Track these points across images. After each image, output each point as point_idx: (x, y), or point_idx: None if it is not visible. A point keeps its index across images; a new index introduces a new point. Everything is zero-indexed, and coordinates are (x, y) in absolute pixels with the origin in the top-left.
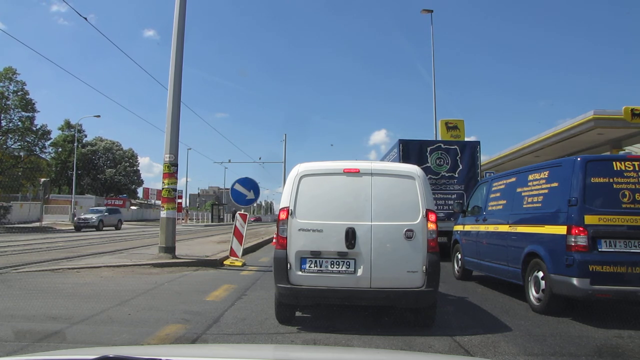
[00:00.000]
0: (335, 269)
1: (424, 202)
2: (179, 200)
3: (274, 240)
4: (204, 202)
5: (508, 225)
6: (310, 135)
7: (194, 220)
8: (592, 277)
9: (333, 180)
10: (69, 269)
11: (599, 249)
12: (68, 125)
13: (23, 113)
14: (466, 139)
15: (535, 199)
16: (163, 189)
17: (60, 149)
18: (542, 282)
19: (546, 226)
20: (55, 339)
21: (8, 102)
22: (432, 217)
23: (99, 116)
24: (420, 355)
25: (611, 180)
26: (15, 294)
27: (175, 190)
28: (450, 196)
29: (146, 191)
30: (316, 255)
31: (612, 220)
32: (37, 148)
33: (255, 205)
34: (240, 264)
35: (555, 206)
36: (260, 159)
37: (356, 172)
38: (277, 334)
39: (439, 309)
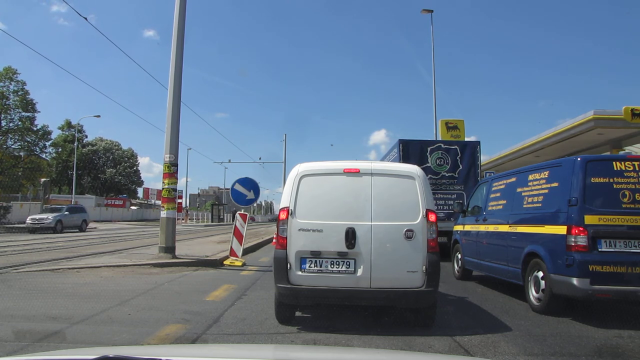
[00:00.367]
0: (335, 269)
1: (424, 202)
2: (179, 200)
3: (274, 240)
4: (204, 202)
5: (508, 225)
6: (310, 135)
7: (194, 220)
8: (592, 277)
9: (333, 180)
10: (69, 268)
11: (599, 249)
12: (69, 125)
13: (23, 113)
14: (466, 139)
15: (535, 199)
16: (163, 189)
17: (60, 149)
18: (542, 282)
19: (546, 226)
20: (55, 339)
21: (8, 102)
22: (432, 217)
23: (99, 116)
24: (420, 355)
25: (611, 180)
26: (15, 294)
27: (175, 190)
28: (450, 196)
29: (146, 191)
30: (316, 255)
31: (612, 220)
32: (37, 148)
33: (255, 205)
34: (240, 264)
35: (555, 206)
36: (260, 159)
37: (356, 172)
38: (277, 334)
39: (439, 309)
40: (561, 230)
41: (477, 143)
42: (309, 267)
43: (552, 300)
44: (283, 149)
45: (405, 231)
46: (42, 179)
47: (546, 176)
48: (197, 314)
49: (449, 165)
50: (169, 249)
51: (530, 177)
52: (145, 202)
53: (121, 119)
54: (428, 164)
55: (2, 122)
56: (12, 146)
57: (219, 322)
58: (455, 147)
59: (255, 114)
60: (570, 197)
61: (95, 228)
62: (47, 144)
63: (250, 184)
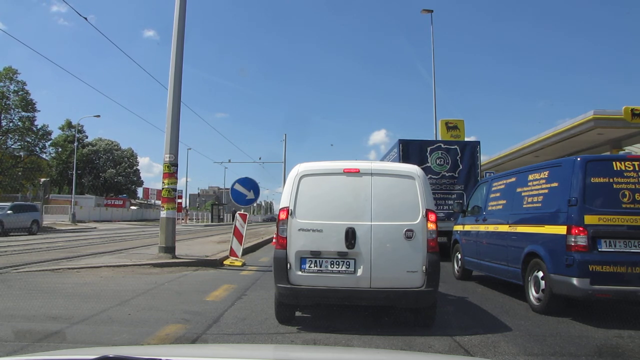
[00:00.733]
0: (335, 269)
1: (424, 202)
2: (179, 200)
3: (274, 240)
4: (204, 202)
5: (508, 225)
6: (310, 135)
7: (194, 220)
8: (592, 277)
9: (333, 180)
10: (69, 269)
11: (599, 249)
12: (69, 125)
13: (23, 113)
14: (466, 139)
15: (535, 199)
16: (163, 189)
17: (60, 149)
18: (542, 282)
19: (546, 226)
20: (55, 339)
21: (8, 102)
22: (432, 217)
23: (99, 116)
24: (420, 355)
25: (611, 180)
26: (15, 294)
27: (175, 190)
28: (450, 196)
29: (146, 191)
30: (316, 255)
31: (612, 220)
32: (37, 148)
33: (255, 205)
34: (240, 263)
35: (555, 206)
36: (260, 159)
37: (356, 172)
38: (277, 334)
39: (439, 309)
40: (561, 230)
41: (477, 143)
42: (309, 267)
43: (552, 300)
44: (283, 149)
45: (405, 231)
46: (42, 179)
47: (546, 176)
48: (197, 314)
49: (449, 165)
50: (169, 249)
51: (530, 177)
52: (145, 202)
53: (121, 119)
54: (428, 164)
55: (2, 122)
56: (12, 146)
57: (219, 322)
58: (455, 147)
59: (255, 114)
60: (570, 197)
61: (95, 228)
62: (47, 144)
63: (250, 184)
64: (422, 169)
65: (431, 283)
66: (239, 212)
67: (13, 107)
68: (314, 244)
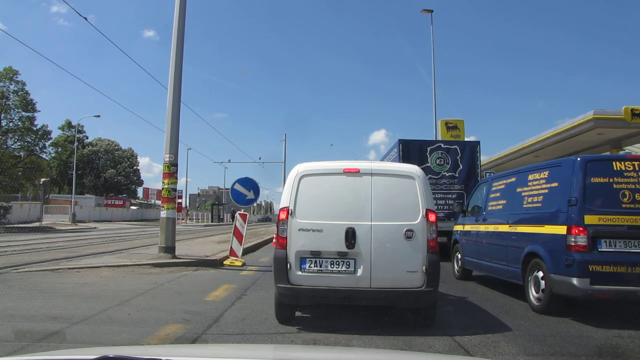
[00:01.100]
0: (335, 269)
1: (424, 202)
2: (179, 200)
3: (274, 240)
4: (204, 202)
5: (508, 225)
6: (310, 135)
7: (194, 220)
8: (592, 277)
9: (333, 180)
10: (69, 268)
11: (599, 249)
12: (69, 125)
13: (23, 113)
14: (466, 139)
15: (535, 199)
16: (163, 189)
17: (60, 149)
18: (542, 282)
19: (546, 226)
20: (55, 339)
21: (8, 102)
22: (432, 217)
23: (99, 116)
24: (420, 355)
25: (611, 180)
26: (15, 294)
27: (175, 190)
28: (450, 196)
29: (146, 191)
30: (316, 255)
31: (612, 220)
32: (37, 148)
33: (255, 205)
34: (240, 263)
35: (555, 206)
36: (260, 159)
37: (356, 172)
38: (277, 334)
39: (439, 309)
40: (561, 230)
41: (477, 143)
42: (309, 267)
43: (552, 300)
44: (283, 149)
45: (405, 231)
46: (42, 179)
47: (546, 176)
48: (197, 314)
49: (449, 165)
50: (169, 249)
51: (530, 177)
52: (145, 202)
53: (121, 119)
54: (428, 164)
55: (2, 122)
56: (12, 146)
57: (219, 322)
58: (455, 147)
59: (255, 114)
60: (570, 197)
61: (95, 228)
62: (47, 143)
63: (250, 184)
64: (422, 169)
65: (431, 283)
66: (239, 212)
67: (13, 107)
68: (314, 244)
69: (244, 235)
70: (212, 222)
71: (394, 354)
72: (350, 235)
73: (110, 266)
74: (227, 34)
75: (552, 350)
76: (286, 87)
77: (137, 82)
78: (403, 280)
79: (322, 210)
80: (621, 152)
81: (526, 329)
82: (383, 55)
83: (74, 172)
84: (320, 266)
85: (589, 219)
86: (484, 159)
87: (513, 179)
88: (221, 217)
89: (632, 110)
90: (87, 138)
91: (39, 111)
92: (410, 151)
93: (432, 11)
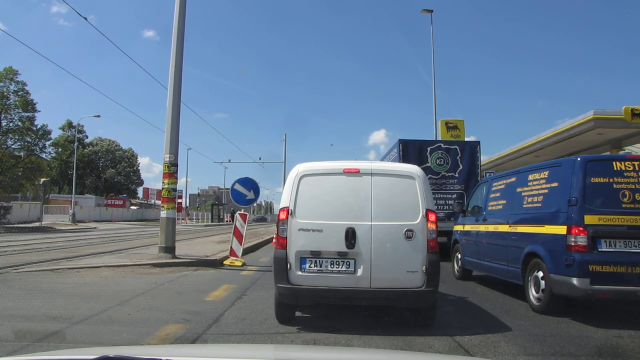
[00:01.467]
0: (335, 269)
1: (424, 202)
2: (179, 200)
3: (274, 240)
4: (204, 202)
5: (508, 225)
6: (310, 135)
7: (194, 220)
8: (592, 277)
9: (333, 180)
10: (69, 268)
11: (599, 249)
12: (69, 125)
13: (23, 113)
14: (466, 139)
15: (535, 199)
16: (163, 189)
17: (60, 149)
18: (542, 282)
19: (546, 226)
20: (55, 339)
21: (9, 102)
22: (432, 217)
23: (99, 116)
24: (420, 355)
25: (611, 180)
26: (15, 294)
27: (175, 190)
28: (450, 196)
29: (146, 191)
30: (316, 255)
31: (612, 220)
32: (37, 148)
33: (255, 205)
34: (240, 263)
35: (555, 206)
36: (260, 159)
37: (356, 172)
38: (277, 334)
39: (439, 309)
40: (561, 230)
41: (477, 143)
42: (309, 267)
43: (552, 300)
44: (283, 149)
45: (405, 231)
46: (42, 179)
47: (546, 176)
48: (197, 314)
49: (449, 165)
50: (169, 249)
51: (530, 177)
52: (145, 202)
53: (121, 119)
54: (428, 164)
55: (2, 122)
56: (12, 146)
57: (219, 322)
58: (455, 147)
59: (255, 114)
60: (570, 197)
61: (95, 228)
62: (47, 143)
63: (250, 184)
64: (422, 169)
65: (431, 283)
66: (239, 212)
67: (13, 107)
68: (314, 244)
69: (244, 235)
70: (212, 222)
71: (394, 354)
72: (350, 235)
73: (110, 266)
74: (227, 34)
75: (552, 350)
76: (286, 87)
77: (137, 82)
78: (403, 280)
79: (322, 210)
80: (621, 152)
81: (526, 329)
82: (383, 55)
83: (74, 172)
84: (320, 266)
85: (589, 219)
86: (484, 159)
87: (513, 179)
88: (221, 217)
89: (632, 110)
90: (87, 138)
91: (39, 111)
92: (410, 151)
93: (432, 11)
